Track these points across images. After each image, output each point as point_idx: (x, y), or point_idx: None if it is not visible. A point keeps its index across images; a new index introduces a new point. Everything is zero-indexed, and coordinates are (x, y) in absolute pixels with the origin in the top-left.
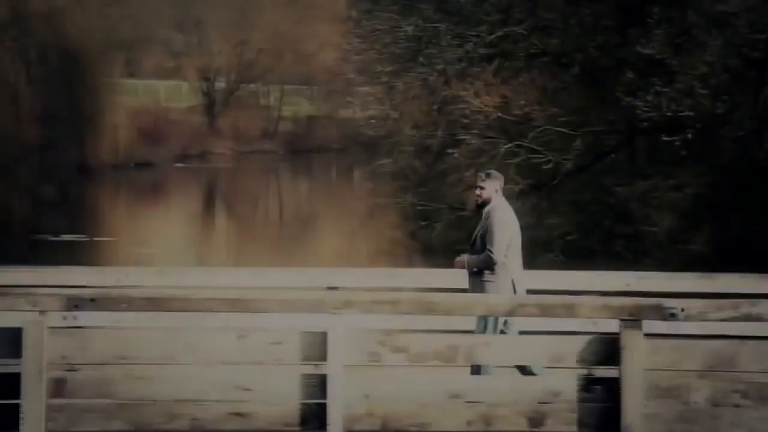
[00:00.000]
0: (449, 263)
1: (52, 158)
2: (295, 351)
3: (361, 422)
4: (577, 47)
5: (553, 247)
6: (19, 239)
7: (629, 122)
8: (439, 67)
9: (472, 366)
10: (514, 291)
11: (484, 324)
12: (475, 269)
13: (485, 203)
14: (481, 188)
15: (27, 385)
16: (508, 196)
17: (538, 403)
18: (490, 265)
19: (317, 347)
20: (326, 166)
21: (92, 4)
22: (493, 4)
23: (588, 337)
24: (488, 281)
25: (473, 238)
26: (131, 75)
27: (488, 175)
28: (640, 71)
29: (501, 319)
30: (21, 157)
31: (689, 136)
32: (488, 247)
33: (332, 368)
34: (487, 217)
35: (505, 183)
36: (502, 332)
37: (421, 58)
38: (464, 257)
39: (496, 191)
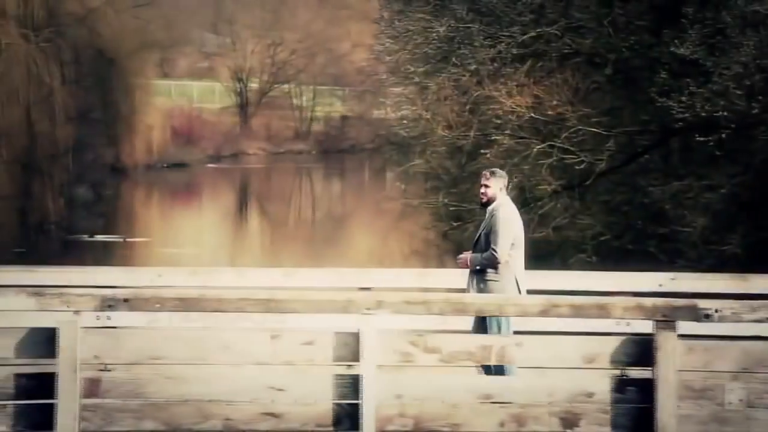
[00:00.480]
0: None
1: (86, 158)
2: (327, 351)
3: (393, 422)
4: (610, 47)
5: (585, 247)
6: (53, 239)
7: (663, 122)
8: (472, 67)
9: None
10: (519, 290)
11: (497, 324)
12: (478, 268)
13: (490, 202)
14: (486, 186)
15: (61, 385)
16: (542, 196)
17: (572, 403)
18: (493, 263)
19: (349, 348)
20: (358, 167)
21: (126, 5)
22: (526, 4)
23: (621, 338)
24: (492, 280)
25: (477, 236)
26: (165, 76)
27: (493, 174)
28: (673, 71)
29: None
30: (55, 158)
31: (723, 136)
32: (492, 246)
33: (365, 369)
34: (492, 216)
35: (538, 183)
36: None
37: (454, 59)
38: (466, 255)
39: (501, 190)
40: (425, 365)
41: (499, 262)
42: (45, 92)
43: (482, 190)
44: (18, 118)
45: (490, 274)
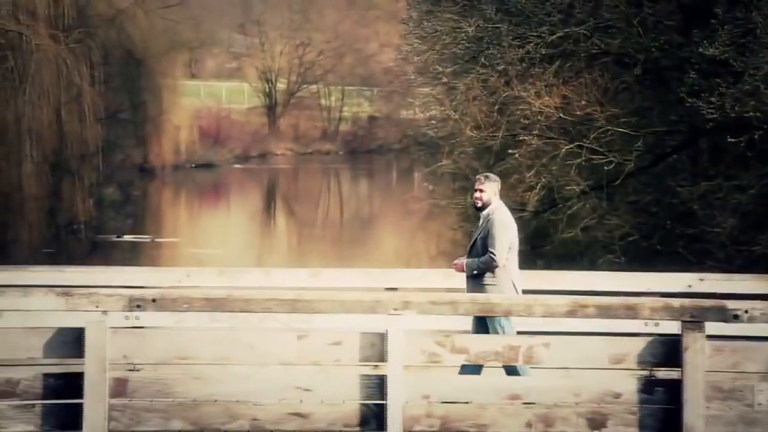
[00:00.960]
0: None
1: (115, 159)
2: (354, 351)
3: (420, 423)
4: (639, 47)
5: (614, 248)
6: (82, 240)
7: (692, 123)
8: (500, 67)
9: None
10: (516, 293)
11: (500, 326)
12: (475, 272)
13: (485, 206)
14: (481, 191)
15: (89, 385)
16: (570, 196)
17: (599, 404)
18: (491, 267)
19: (376, 348)
20: (386, 167)
21: (155, 6)
22: (555, 4)
23: (649, 339)
24: (490, 284)
25: (472, 240)
26: (193, 76)
27: (487, 178)
28: (703, 72)
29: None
30: (85, 158)
31: (756, 136)
32: (491, 249)
33: (392, 369)
34: (488, 220)
35: (567, 184)
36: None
37: (482, 59)
38: (462, 260)
39: (495, 194)
40: (452, 365)
41: (497, 266)
42: (74, 93)
43: (477, 194)
44: (48, 118)
45: (488, 278)
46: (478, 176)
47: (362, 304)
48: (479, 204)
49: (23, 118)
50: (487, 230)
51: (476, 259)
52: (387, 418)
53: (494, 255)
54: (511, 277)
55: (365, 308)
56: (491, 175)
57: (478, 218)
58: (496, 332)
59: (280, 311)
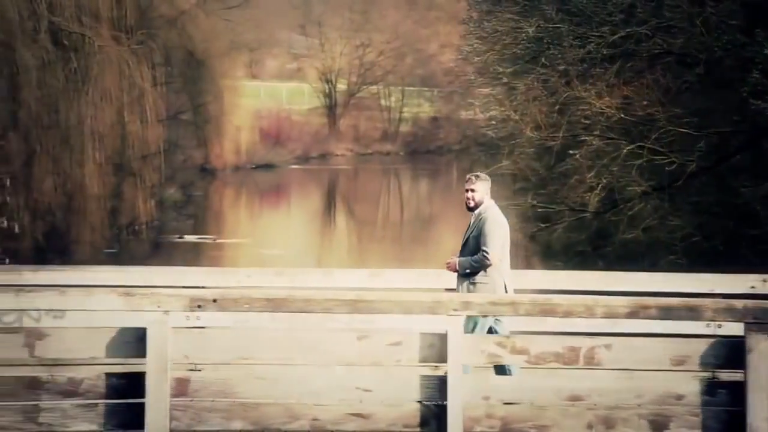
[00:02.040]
0: (570, 266)
1: (177, 160)
2: (414, 352)
3: (480, 424)
4: (702, 47)
5: (675, 249)
6: (144, 240)
7: (754, 123)
8: (561, 68)
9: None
10: (506, 292)
11: (473, 324)
12: (468, 270)
13: (477, 205)
14: (472, 191)
15: (151, 385)
16: (631, 197)
17: (661, 406)
18: (485, 265)
19: (436, 348)
20: (446, 168)
21: (216, 7)
22: (616, 4)
23: (711, 340)
24: (482, 283)
25: (464, 240)
26: (254, 77)
27: (478, 177)
28: (766, 72)
29: (490, 319)
30: (146, 159)
31: None
32: (483, 247)
33: (452, 370)
34: (480, 219)
35: (628, 185)
36: (491, 330)
37: (543, 59)
38: (454, 259)
39: (487, 193)
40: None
41: (490, 264)
42: (136, 94)
43: (468, 194)
44: (110, 119)
45: (480, 276)
46: (469, 176)
47: (422, 305)
48: (471, 204)
49: (86, 119)
50: (479, 229)
51: (469, 258)
52: (447, 419)
53: (487, 253)
54: (503, 276)
55: (425, 309)
56: (482, 175)
57: (539, 219)
58: (467, 329)
59: (341, 312)
